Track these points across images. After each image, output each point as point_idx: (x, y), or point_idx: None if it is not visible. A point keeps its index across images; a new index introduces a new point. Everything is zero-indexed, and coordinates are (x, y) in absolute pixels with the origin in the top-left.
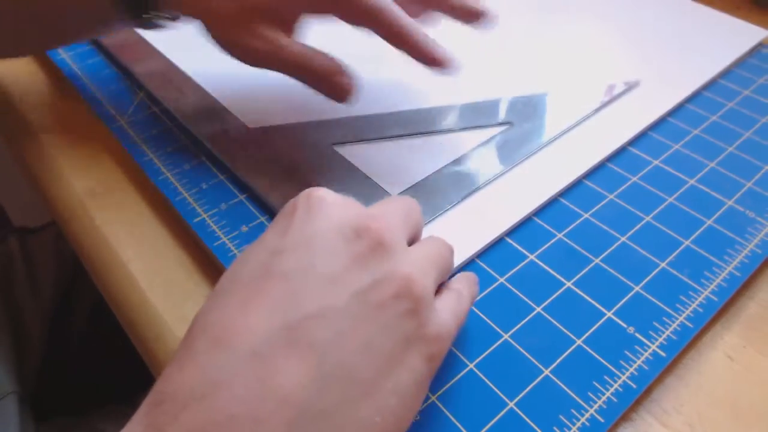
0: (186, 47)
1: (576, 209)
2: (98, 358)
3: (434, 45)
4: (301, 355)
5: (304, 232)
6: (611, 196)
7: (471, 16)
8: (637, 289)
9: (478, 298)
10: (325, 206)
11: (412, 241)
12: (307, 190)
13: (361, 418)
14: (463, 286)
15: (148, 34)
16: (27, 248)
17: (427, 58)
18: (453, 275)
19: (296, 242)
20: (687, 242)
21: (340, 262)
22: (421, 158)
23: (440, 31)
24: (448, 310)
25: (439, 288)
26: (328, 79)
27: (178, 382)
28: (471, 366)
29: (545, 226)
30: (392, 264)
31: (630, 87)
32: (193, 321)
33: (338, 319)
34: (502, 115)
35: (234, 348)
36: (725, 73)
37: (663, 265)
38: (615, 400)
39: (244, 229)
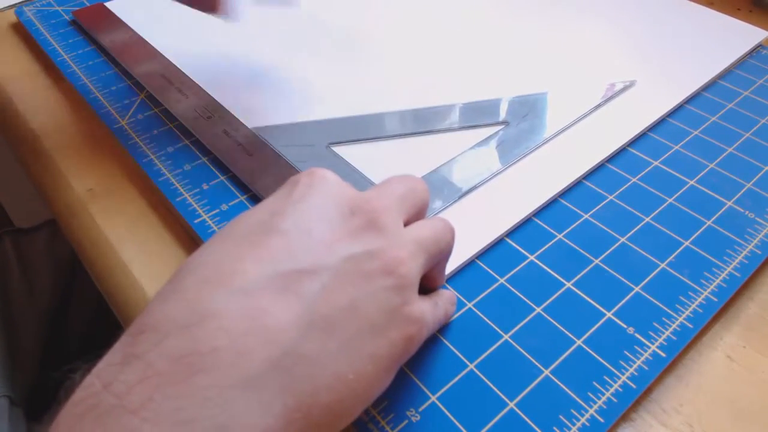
0: (186, 48)
1: (576, 210)
2: (98, 360)
3: None
4: (288, 301)
5: (304, 201)
6: (611, 197)
7: None
8: (636, 289)
9: (479, 298)
10: (326, 183)
11: (411, 220)
12: (310, 168)
13: (336, 371)
14: (441, 299)
15: (149, 35)
16: (21, 249)
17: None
18: (453, 276)
19: (296, 208)
20: (687, 243)
21: (335, 232)
22: (419, 157)
23: (440, 31)
24: (426, 305)
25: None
26: None
27: (161, 313)
28: (471, 366)
29: (545, 226)
30: (382, 242)
31: (629, 87)
32: (181, 265)
33: (328, 277)
34: (500, 114)
35: (224, 286)
36: (725, 74)
37: (663, 265)
38: (615, 400)
39: None
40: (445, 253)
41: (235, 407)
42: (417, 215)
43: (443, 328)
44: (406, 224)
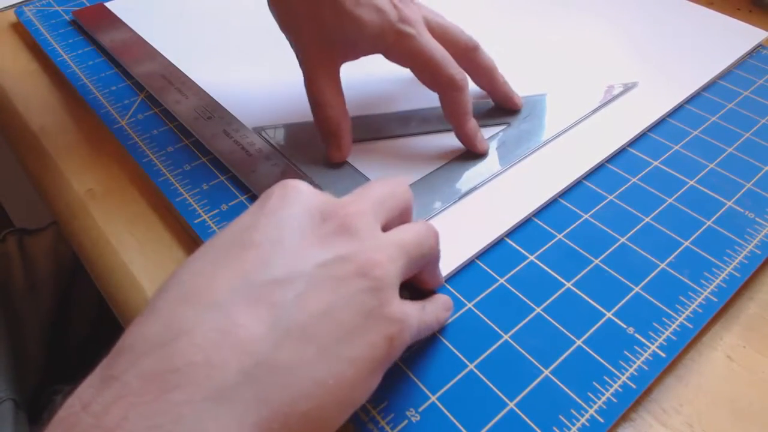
0: (186, 48)
1: (576, 210)
2: (99, 361)
3: (475, 138)
4: (260, 312)
5: (275, 213)
6: (611, 197)
7: (508, 105)
8: (636, 289)
9: (479, 298)
10: (298, 193)
11: (392, 223)
12: (283, 180)
13: (314, 378)
14: (431, 304)
15: (149, 35)
16: (25, 249)
17: (467, 145)
18: (453, 276)
19: (268, 221)
20: (687, 243)
21: (307, 240)
22: (419, 157)
23: None
24: (411, 307)
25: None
26: (325, 136)
27: (138, 334)
28: (471, 366)
29: (545, 226)
30: (356, 246)
31: (629, 88)
32: (161, 285)
33: (302, 284)
34: (500, 115)
35: (197, 303)
36: (725, 74)
37: (663, 265)
38: (615, 400)
39: None
40: (429, 257)
41: (210, 422)
42: (400, 218)
43: (443, 329)
44: (386, 228)
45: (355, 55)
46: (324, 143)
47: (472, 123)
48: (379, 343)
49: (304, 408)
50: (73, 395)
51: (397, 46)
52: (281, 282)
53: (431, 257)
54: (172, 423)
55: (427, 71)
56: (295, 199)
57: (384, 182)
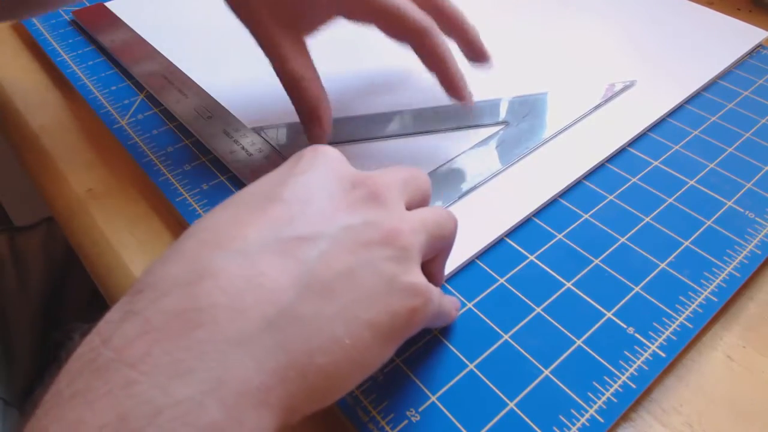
0: (186, 48)
1: (576, 210)
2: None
3: (463, 81)
4: (286, 264)
5: (305, 173)
6: (611, 197)
7: (477, 56)
8: (636, 289)
9: (479, 298)
10: (329, 159)
11: (413, 205)
12: (314, 145)
13: (332, 334)
14: (445, 298)
15: (149, 35)
16: (16, 247)
17: (454, 91)
18: (453, 276)
19: (297, 180)
20: (687, 243)
21: (335, 203)
22: (419, 157)
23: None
24: (432, 286)
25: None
26: (305, 114)
27: (160, 273)
28: (471, 366)
29: (545, 226)
30: (382, 214)
31: (629, 87)
32: (185, 231)
33: (326, 244)
34: (500, 114)
35: (223, 248)
36: (725, 74)
37: (663, 265)
38: (615, 400)
39: None
40: (447, 240)
41: (231, 362)
42: (420, 202)
43: (443, 329)
44: (408, 208)
45: (316, 22)
46: (303, 124)
47: (455, 67)
48: (401, 313)
49: (320, 362)
50: (92, 332)
51: (356, 2)
52: (306, 239)
53: (448, 241)
54: (195, 359)
55: (391, 23)
56: (326, 162)
57: (406, 167)
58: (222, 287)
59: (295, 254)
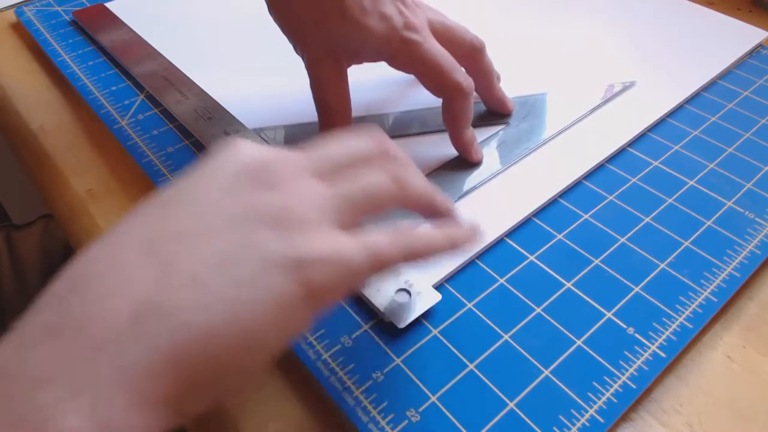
0: (186, 48)
1: (576, 210)
2: None
3: (476, 147)
4: (149, 261)
5: (203, 170)
6: (611, 197)
7: (499, 108)
8: (636, 289)
9: (479, 298)
10: (233, 151)
11: (354, 172)
12: (230, 138)
13: (207, 323)
14: (435, 228)
15: (149, 35)
16: (13, 244)
17: (465, 153)
18: (453, 276)
19: (195, 177)
20: (687, 243)
21: (226, 195)
22: (418, 158)
23: None
24: (347, 240)
25: None
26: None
27: (49, 289)
28: (471, 366)
29: (545, 226)
30: (269, 197)
31: (629, 87)
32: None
33: (197, 236)
34: (500, 114)
35: (99, 260)
36: (725, 74)
37: (663, 265)
38: (615, 400)
39: None
40: (388, 202)
41: (93, 368)
42: (366, 167)
43: (443, 329)
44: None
45: (359, 61)
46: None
47: (470, 131)
48: (286, 289)
49: (192, 353)
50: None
51: (403, 53)
52: (183, 234)
53: (392, 201)
54: (56, 368)
55: (432, 78)
56: (229, 156)
57: (357, 138)
58: (88, 297)
59: (165, 250)
